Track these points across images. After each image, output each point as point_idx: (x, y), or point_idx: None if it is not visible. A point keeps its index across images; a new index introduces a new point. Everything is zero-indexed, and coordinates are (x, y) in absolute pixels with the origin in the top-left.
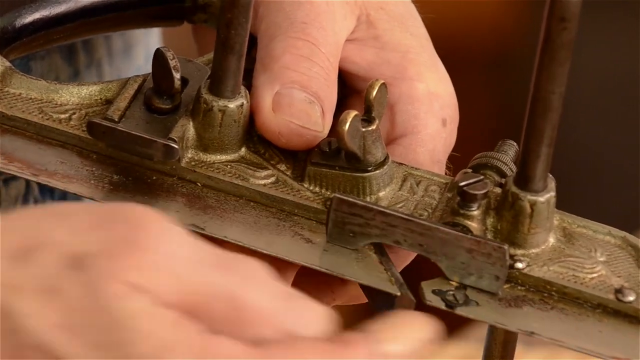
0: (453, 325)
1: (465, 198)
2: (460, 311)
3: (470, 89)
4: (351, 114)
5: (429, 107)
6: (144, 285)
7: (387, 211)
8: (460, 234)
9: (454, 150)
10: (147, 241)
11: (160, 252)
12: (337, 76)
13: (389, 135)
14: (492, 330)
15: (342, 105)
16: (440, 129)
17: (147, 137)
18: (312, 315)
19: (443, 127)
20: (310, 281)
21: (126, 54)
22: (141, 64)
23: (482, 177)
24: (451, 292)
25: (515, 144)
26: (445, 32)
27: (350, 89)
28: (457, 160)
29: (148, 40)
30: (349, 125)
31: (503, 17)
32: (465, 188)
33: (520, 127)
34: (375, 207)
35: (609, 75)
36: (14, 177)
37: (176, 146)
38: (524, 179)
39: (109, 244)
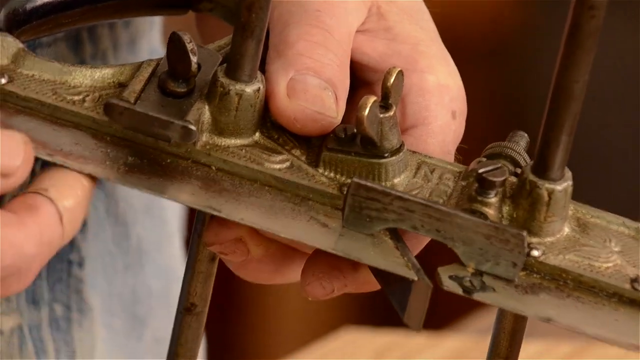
0: (450, 317)
1: (484, 185)
2: (478, 297)
3: (470, 80)
4: (371, 99)
5: (439, 99)
6: None
7: (406, 196)
8: (480, 220)
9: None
10: None
11: None
12: (349, 64)
13: (399, 126)
14: (500, 319)
15: (351, 97)
16: (450, 121)
17: (165, 118)
18: (5, 149)
19: (453, 119)
20: (321, 267)
21: (131, 47)
22: (145, 58)
23: (500, 164)
24: (468, 278)
25: (525, 134)
26: (445, 23)
27: (359, 80)
28: (461, 151)
29: (151, 36)
30: (369, 110)
31: (503, 8)
32: (484, 175)
33: (520, 117)
34: (393, 192)
35: (610, 66)
36: None
37: (194, 128)
38: (543, 167)
39: None
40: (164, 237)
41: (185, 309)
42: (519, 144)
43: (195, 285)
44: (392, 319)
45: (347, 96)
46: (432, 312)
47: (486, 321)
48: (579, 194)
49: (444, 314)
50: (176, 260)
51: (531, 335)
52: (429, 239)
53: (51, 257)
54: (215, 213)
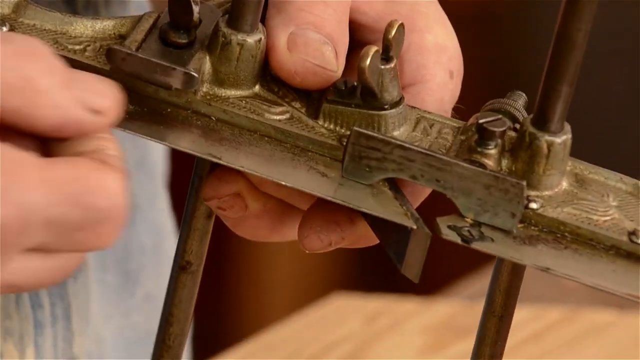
0: (440, 282)
1: (484, 135)
2: (476, 245)
3: (464, 43)
4: (372, 49)
5: (437, 58)
6: None
7: (406, 145)
8: (479, 169)
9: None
10: None
11: None
12: (348, 21)
13: None
14: (497, 276)
15: (348, 58)
16: (447, 80)
17: (167, 64)
18: (99, 87)
19: (450, 79)
20: (318, 220)
21: (122, 4)
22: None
23: (500, 116)
24: (466, 228)
25: (524, 94)
26: None
27: (357, 41)
28: (458, 112)
29: None
30: (371, 60)
31: None
32: (485, 125)
33: (513, 80)
34: (394, 140)
35: (610, 18)
36: None
37: (196, 75)
38: (542, 119)
39: None
40: (155, 193)
41: (180, 267)
42: (518, 102)
43: (191, 242)
44: (382, 285)
45: (346, 52)
46: (423, 278)
47: (476, 287)
48: (577, 152)
49: (435, 279)
50: (165, 218)
51: (520, 301)
52: (426, 195)
53: None
54: (215, 160)
